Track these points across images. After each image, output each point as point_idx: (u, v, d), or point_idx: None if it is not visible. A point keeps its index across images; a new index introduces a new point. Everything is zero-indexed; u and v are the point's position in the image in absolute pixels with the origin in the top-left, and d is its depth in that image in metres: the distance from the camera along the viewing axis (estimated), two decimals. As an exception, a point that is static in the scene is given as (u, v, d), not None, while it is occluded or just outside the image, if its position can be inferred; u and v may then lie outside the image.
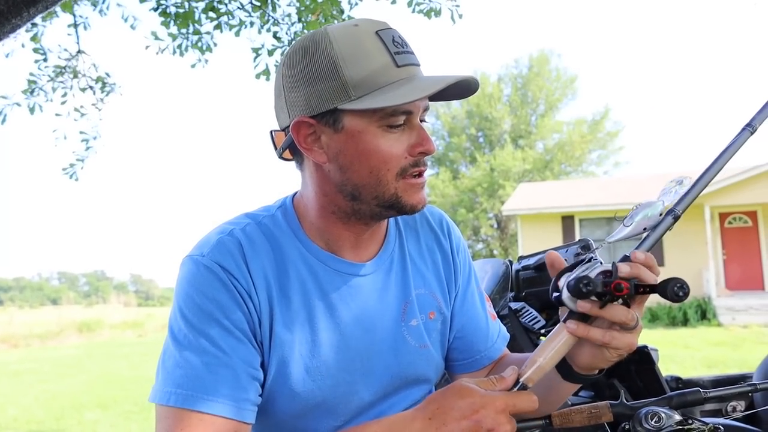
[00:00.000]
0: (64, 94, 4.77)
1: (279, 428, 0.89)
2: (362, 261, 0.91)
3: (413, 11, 4.18)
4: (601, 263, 0.73)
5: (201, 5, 4.19)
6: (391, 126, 0.80)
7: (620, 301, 0.72)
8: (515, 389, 0.74)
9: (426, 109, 0.85)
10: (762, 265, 14.25)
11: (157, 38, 4.31)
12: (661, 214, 0.77)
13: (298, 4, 4.22)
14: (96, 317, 18.75)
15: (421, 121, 0.84)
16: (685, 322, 12.70)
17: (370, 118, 0.79)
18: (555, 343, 0.75)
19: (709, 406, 1.88)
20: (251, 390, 0.79)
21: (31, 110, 4.57)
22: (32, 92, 4.56)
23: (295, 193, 0.94)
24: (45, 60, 4.65)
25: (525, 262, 1.83)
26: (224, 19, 4.24)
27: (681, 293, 0.69)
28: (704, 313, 12.71)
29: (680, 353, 8.42)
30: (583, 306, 0.71)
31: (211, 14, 4.21)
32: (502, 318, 1.55)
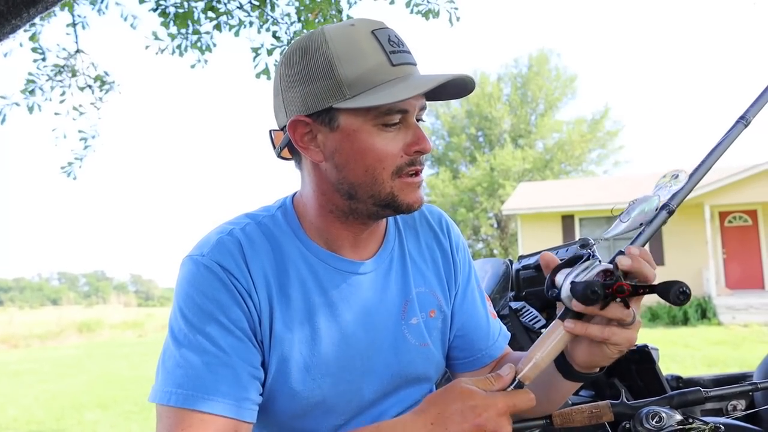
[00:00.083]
0: (63, 93, 4.77)
1: (280, 427, 0.89)
2: (362, 259, 0.90)
3: (411, 12, 4.18)
4: (599, 262, 0.73)
5: (200, 5, 4.19)
6: (387, 125, 0.80)
7: (619, 300, 0.72)
8: (512, 387, 0.74)
9: (423, 108, 0.85)
10: (762, 263, 14.26)
11: (156, 38, 4.32)
12: (656, 209, 0.77)
13: (297, 4, 4.22)
14: (96, 317, 18.76)
15: (418, 120, 0.84)
16: (686, 321, 12.70)
17: (365, 117, 0.79)
18: (551, 340, 0.75)
19: (709, 406, 1.88)
20: (252, 389, 0.79)
21: (30, 110, 4.57)
22: (31, 92, 4.56)
23: (295, 193, 0.94)
24: (44, 59, 4.65)
25: (525, 262, 1.83)
26: (223, 18, 4.24)
27: (683, 297, 0.69)
28: (704, 312, 12.71)
29: (681, 352, 8.43)
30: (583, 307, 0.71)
31: (210, 14, 4.21)
32: (502, 317, 1.54)
